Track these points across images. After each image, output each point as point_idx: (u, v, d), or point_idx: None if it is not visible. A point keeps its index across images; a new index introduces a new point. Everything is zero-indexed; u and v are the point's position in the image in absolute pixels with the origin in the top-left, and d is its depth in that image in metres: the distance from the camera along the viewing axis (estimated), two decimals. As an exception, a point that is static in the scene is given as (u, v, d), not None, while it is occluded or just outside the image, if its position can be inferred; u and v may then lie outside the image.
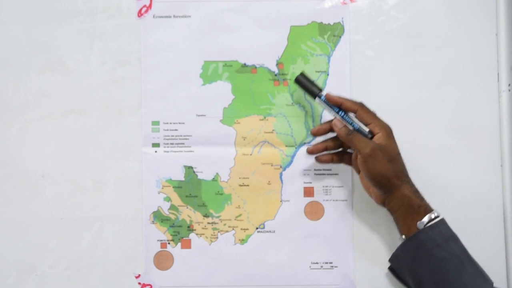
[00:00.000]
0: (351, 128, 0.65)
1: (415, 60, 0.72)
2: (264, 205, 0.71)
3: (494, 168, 0.71)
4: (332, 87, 0.71)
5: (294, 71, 0.71)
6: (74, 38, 0.72)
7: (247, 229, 0.71)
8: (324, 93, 0.67)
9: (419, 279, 0.61)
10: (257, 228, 0.71)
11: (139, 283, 0.71)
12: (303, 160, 0.71)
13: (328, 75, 0.71)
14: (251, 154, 0.71)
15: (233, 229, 0.71)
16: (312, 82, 0.67)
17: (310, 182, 0.71)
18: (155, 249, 0.71)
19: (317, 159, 0.69)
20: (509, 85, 0.71)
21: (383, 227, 0.70)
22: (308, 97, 0.71)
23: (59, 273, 0.71)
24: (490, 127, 0.71)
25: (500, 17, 0.71)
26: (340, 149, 0.69)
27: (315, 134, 0.69)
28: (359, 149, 0.63)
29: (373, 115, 0.65)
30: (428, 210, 0.62)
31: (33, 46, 0.72)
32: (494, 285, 0.60)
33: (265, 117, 0.71)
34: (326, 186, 0.71)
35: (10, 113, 0.71)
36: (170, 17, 0.72)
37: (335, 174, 0.71)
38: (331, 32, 0.72)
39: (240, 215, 0.71)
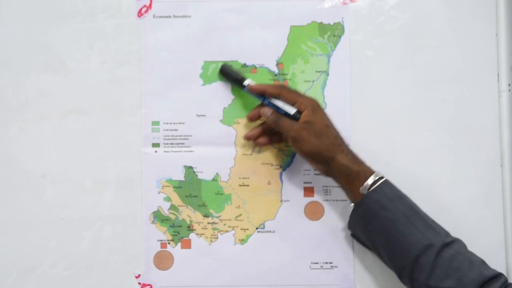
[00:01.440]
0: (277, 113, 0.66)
1: (415, 60, 0.72)
2: (264, 205, 0.71)
3: (494, 168, 0.71)
4: (332, 87, 0.71)
5: (294, 71, 0.71)
6: (74, 38, 0.72)
7: (247, 229, 0.71)
8: (247, 83, 0.68)
9: (373, 241, 0.63)
10: (257, 228, 0.71)
11: (139, 283, 0.71)
12: (303, 160, 0.71)
13: (328, 75, 0.71)
14: (251, 154, 0.71)
15: (233, 229, 0.71)
16: (236, 72, 0.69)
17: (310, 182, 0.71)
18: (155, 249, 0.71)
19: (255, 143, 0.70)
20: (509, 85, 0.71)
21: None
22: (308, 97, 0.71)
23: (59, 273, 0.71)
24: (490, 127, 0.71)
25: (500, 17, 0.71)
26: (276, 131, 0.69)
27: (251, 120, 0.70)
28: (286, 133, 0.65)
29: (296, 93, 0.67)
30: (369, 174, 0.63)
31: (33, 46, 0.72)
32: (450, 235, 0.61)
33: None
34: (326, 186, 0.71)
35: (10, 113, 0.71)
36: (170, 17, 0.72)
37: (335, 174, 0.71)
38: (331, 32, 0.72)
39: (240, 215, 0.71)
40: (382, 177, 0.63)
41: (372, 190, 0.62)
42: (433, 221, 0.62)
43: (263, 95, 0.67)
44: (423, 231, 0.61)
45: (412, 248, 0.60)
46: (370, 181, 0.62)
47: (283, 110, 0.66)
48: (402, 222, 0.61)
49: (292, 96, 0.66)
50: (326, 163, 0.64)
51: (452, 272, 0.59)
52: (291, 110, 0.65)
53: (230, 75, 0.70)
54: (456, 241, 0.61)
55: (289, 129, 0.64)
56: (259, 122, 0.70)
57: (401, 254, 0.60)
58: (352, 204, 0.64)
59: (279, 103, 0.66)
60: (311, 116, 0.64)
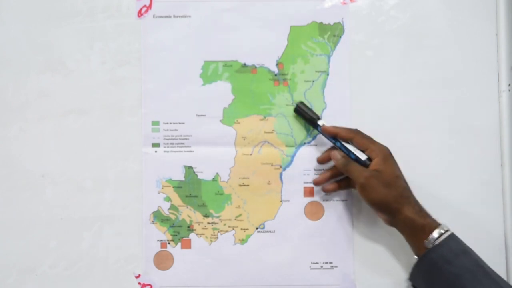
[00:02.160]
0: (348, 158, 0.66)
1: (415, 60, 0.72)
2: (264, 205, 0.71)
3: (494, 168, 0.71)
4: (332, 87, 0.71)
5: (294, 71, 0.71)
6: (74, 38, 0.72)
7: (247, 229, 0.71)
8: (321, 123, 0.68)
9: None
10: (257, 228, 0.71)
11: (139, 283, 0.71)
12: (303, 160, 0.71)
13: (328, 75, 0.71)
14: (251, 154, 0.71)
15: (233, 229, 0.71)
16: (311, 111, 0.70)
17: (310, 182, 0.71)
18: (155, 249, 0.71)
19: (324, 189, 0.70)
20: (509, 85, 0.71)
21: (383, 227, 0.70)
22: (308, 97, 0.71)
23: (59, 273, 0.71)
24: (490, 127, 0.71)
25: (500, 17, 0.71)
26: (345, 176, 0.69)
27: (321, 163, 0.70)
28: (355, 179, 0.64)
29: (369, 140, 0.66)
30: (434, 227, 0.61)
31: (33, 46, 0.72)
32: None
33: (265, 117, 0.71)
34: (326, 186, 0.71)
35: (10, 113, 0.72)
36: (170, 17, 0.72)
37: (335, 174, 0.71)
38: (331, 32, 0.72)
39: (240, 215, 0.71)
40: (447, 230, 0.62)
41: (438, 244, 0.61)
42: (499, 277, 0.60)
43: (336, 137, 0.67)
44: (489, 287, 0.59)
45: None
46: (435, 234, 0.61)
47: (354, 155, 0.66)
48: (468, 278, 0.59)
49: (364, 142, 0.65)
50: (391, 214, 0.63)
51: None
52: (362, 156, 0.65)
53: (305, 114, 0.70)
54: None
55: (358, 175, 0.64)
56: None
57: None
58: (416, 257, 0.63)
59: (351, 147, 0.66)
60: (381, 164, 0.64)
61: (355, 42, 0.72)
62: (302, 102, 0.70)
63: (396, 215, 0.63)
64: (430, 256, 0.61)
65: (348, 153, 0.66)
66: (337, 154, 0.66)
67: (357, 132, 0.67)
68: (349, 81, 0.71)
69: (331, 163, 0.70)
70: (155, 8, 0.72)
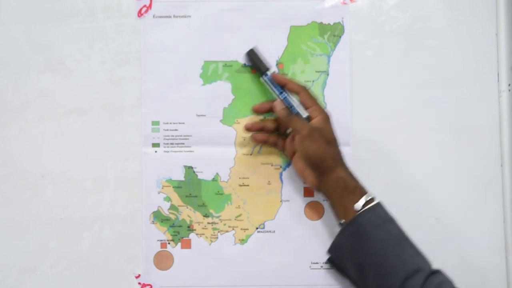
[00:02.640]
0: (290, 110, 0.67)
1: (415, 60, 0.72)
2: (264, 205, 0.71)
3: (494, 168, 0.71)
4: (332, 87, 0.71)
5: (294, 71, 0.71)
6: (74, 38, 0.72)
7: (247, 229, 0.71)
8: (270, 72, 0.68)
9: (360, 262, 0.62)
10: (257, 228, 0.71)
11: (139, 283, 0.71)
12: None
13: (328, 75, 0.71)
14: (251, 154, 0.71)
15: (233, 229, 0.71)
16: (261, 59, 0.69)
17: (310, 182, 0.71)
18: (155, 249, 0.71)
19: (253, 137, 0.70)
20: (509, 85, 0.71)
21: (383, 227, 0.70)
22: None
23: (59, 273, 0.71)
24: (490, 127, 0.71)
25: (500, 17, 0.71)
26: (275, 133, 0.70)
27: (256, 111, 0.70)
28: (298, 129, 0.64)
29: (314, 100, 0.66)
30: (364, 192, 0.63)
31: (33, 46, 0.72)
32: (433, 267, 0.61)
33: (265, 117, 0.71)
34: (326, 186, 0.71)
35: (10, 113, 0.71)
36: (170, 17, 0.72)
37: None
38: (331, 32, 0.72)
39: (240, 215, 0.71)
40: (374, 198, 0.63)
41: (367, 208, 0.62)
42: (420, 250, 0.62)
43: (284, 87, 0.67)
44: (413, 255, 0.61)
45: (402, 270, 0.59)
46: (365, 198, 0.62)
47: (296, 110, 0.66)
48: (394, 244, 0.61)
49: (310, 100, 0.66)
50: (324, 171, 0.64)
51: None
52: (304, 113, 0.66)
53: (256, 60, 0.69)
54: (442, 272, 0.60)
55: (302, 126, 0.64)
56: (259, 118, 0.70)
57: (390, 275, 0.59)
58: (342, 221, 0.64)
59: (295, 102, 0.67)
60: (323, 123, 0.65)
61: (355, 42, 0.72)
62: (253, 49, 0.70)
63: (330, 173, 0.64)
64: (360, 220, 0.62)
65: (291, 107, 0.67)
66: (280, 104, 0.67)
67: (305, 87, 0.67)
68: (349, 81, 0.71)
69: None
70: (155, 8, 0.72)
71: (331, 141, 0.65)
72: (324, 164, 0.64)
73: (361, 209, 0.62)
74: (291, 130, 0.68)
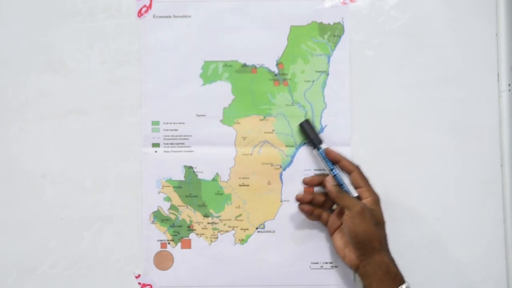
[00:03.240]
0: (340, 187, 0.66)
1: (415, 60, 0.72)
2: (264, 205, 0.71)
3: (494, 168, 0.71)
4: (332, 87, 0.71)
5: (294, 71, 0.71)
6: (74, 38, 0.72)
7: (247, 229, 0.71)
8: (323, 146, 0.68)
9: None
10: (257, 228, 0.71)
11: (139, 283, 0.71)
12: (303, 160, 0.71)
13: (328, 75, 0.71)
14: (251, 154, 0.71)
15: (233, 229, 0.71)
16: (315, 132, 0.69)
17: (310, 182, 0.71)
18: (155, 249, 0.71)
19: (299, 207, 0.69)
20: (509, 85, 0.71)
21: (383, 227, 0.70)
22: (308, 97, 0.71)
23: (59, 273, 0.71)
24: (490, 127, 0.71)
25: (500, 17, 0.71)
26: (321, 207, 0.69)
27: (307, 184, 0.70)
28: (349, 206, 0.63)
29: (366, 180, 0.66)
30: (403, 280, 0.62)
31: (33, 46, 0.72)
32: None
33: (265, 117, 0.71)
34: (326, 186, 0.71)
35: (10, 113, 0.72)
36: (170, 17, 0.72)
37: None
38: (331, 32, 0.72)
39: (240, 215, 0.71)
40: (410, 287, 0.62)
41: None
42: None
43: (337, 163, 0.67)
44: None
45: None
46: (404, 286, 0.61)
47: (346, 188, 0.66)
48: None
49: (362, 180, 0.66)
50: (369, 253, 0.63)
51: None
52: (354, 193, 0.66)
53: (309, 133, 0.69)
54: None
55: (354, 203, 0.63)
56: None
57: None
58: None
59: (346, 180, 0.66)
60: (373, 205, 0.64)
61: (355, 42, 0.72)
62: (308, 120, 0.70)
63: (374, 255, 0.62)
64: None
65: (341, 184, 0.66)
66: (331, 180, 0.67)
67: (358, 167, 0.66)
68: (349, 81, 0.71)
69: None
70: (155, 8, 0.72)
71: (380, 224, 0.64)
72: (370, 245, 0.63)
73: None
74: (337, 206, 0.68)
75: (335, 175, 0.67)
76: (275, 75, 0.71)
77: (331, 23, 0.72)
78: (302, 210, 0.69)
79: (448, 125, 0.71)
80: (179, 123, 0.72)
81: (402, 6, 0.72)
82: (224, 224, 0.71)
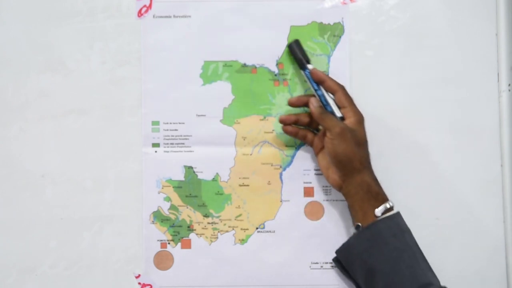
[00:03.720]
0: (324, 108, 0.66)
1: (415, 60, 0.72)
2: (264, 205, 0.71)
3: (494, 168, 0.71)
4: (332, 87, 0.71)
5: (294, 71, 0.71)
6: (74, 38, 0.72)
7: (247, 229, 0.71)
8: (310, 67, 0.68)
9: (371, 268, 0.61)
10: (257, 228, 0.71)
11: (139, 283, 0.71)
12: (303, 160, 0.71)
13: (328, 75, 0.71)
14: (251, 154, 0.71)
15: (233, 229, 0.71)
16: (304, 52, 0.69)
17: (310, 182, 0.71)
18: (155, 249, 0.71)
19: (283, 129, 0.69)
20: (509, 85, 0.71)
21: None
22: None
23: (59, 273, 0.71)
24: (490, 127, 0.71)
25: (500, 17, 0.71)
26: (307, 127, 0.70)
27: (292, 105, 0.69)
28: (330, 127, 0.64)
29: (350, 100, 0.66)
30: (385, 199, 0.63)
31: (33, 46, 0.72)
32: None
33: (265, 117, 0.71)
34: (326, 186, 0.71)
35: (10, 113, 0.71)
36: (170, 17, 0.72)
37: (335, 174, 0.71)
38: (331, 32, 0.72)
39: (240, 215, 0.71)
40: (393, 206, 0.63)
41: (388, 216, 0.61)
42: (431, 268, 0.62)
43: (322, 84, 0.67)
44: (426, 270, 0.60)
45: (414, 281, 0.59)
46: (387, 205, 0.62)
47: (330, 108, 0.66)
48: (409, 255, 0.60)
49: (346, 100, 0.66)
50: (350, 173, 0.63)
51: None
52: (338, 113, 0.66)
53: (298, 53, 0.69)
54: None
55: (334, 124, 0.63)
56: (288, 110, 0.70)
57: (401, 285, 0.59)
58: (359, 224, 0.63)
59: (330, 100, 0.66)
60: (356, 125, 0.64)
61: (355, 42, 0.72)
62: (297, 41, 0.69)
63: (355, 175, 0.63)
64: (379, 226, 0.61)
65: (325, 105, 0.66)
66: (315, 101, 0.66)
67: (342, 87, 0.66)
68: (349, 81, 0.71)
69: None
70: (155, 8, 0.72)
71: (361, 144, 0.64)
72: (351, 165, 0.63)
73: (381, 216, 0.61)
74: (322, 127, 0.68)
75: (320, 96, 0.67)
76: (275, 75, 0.71)
77: (331, 23, 0.72)
78: (286, 131, 0.69)
79: (448, 125, 0.71)
80: (179, 123, 0.72)
81: (402, 6, 0.72)
82: (224, 224, 0.71)
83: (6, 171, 0.71)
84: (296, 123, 0.69)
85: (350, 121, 0.65)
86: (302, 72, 0.69)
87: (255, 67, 0.71)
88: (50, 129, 0.71)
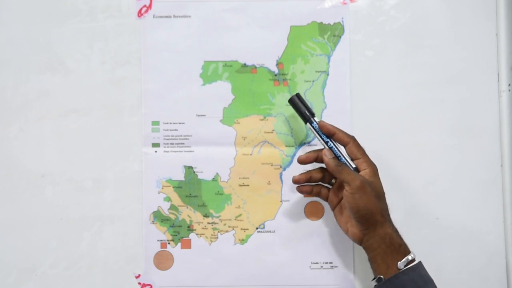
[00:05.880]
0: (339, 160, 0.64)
1: (415, 60, 0.72)
2: (264, 205, 0.71)
3: (494, 168, 0.71)
4: (332, 87, 0.71)
5: (294, 71, 0.71)
6: (74, 38, 0.72)
7: (247, 229, 0.71)
8: (317, 119, 0.65)
9: None
10: (257, 228, 0.71)
11: (139, 283, 0.71)
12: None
13: (328, 75, 0.71)
14: (251, 154, 0.71)
15: (233, 229, 0.71)
16: (306, 106, 0.66)
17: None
18: (155, 249, 0.71)
19: (298, 189, 0.67)
20: (509, 85, 0.71)
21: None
22: (308, 97, 0.71)
23: (59, 273, 0.71)
24: (490, 127, 0.71)
25: (500, 17, 0.71)
26: (320, 183, 0.68)
27: (302, 163, 0.66)
28: (349, 181, 0.61)
29: (363, 151, 0.64)
30: (407, 251, 0.61)
31: (33, 46, 0.72)
32: None
33: (265, 117, 0.71)
34: (326, 186, 0.71)
35: (10, 113, 0.72)
36: (170, 17, 0.72)
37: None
38: (331, 32, 0.72)
39: (240, 215, 0.71)
40: (415, 258, 0.61)
41: (411, 267, 0.60)
42: None
43: (332, 136, 0.65)
44: None
45: None
46: (409, 257, 0.60)
47: (343, 159, 0.64)
48: None
49: (359, 151, 0.64)
50: (372, 226, 0.61)
51: None
52: (352, 164, 0.64)
53: (301, 107, 0.66)
54: None
55: (354, 178, 0.61)
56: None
57: None
58: (382, 277, 0.61)
59: (343, 152, 0.64)
60: (372, 177, 0.63)
61: (355, 42, 0.72)
62: (298, 94, 0.66)
63: (377, 228, 0.61)
64: (402, 278, 0.60)
65: (338, 156, 0.64)
66: (328, 153, 0.64)
67: (353, 138, 0.64)
68: (349, 81, 0.71)
69: (308, 167, 0.68)
70: (155, 8, 0.72)
71: (380, 196, 0.62)
72: (373, 219, 0.61)
73: (404, 268, 0.60)
74: (336, 180, 0.66)
75: (331, 148, 0.64)
76: (275, 75, 0.71)
77: (331, 23, 0.72)
78: (301, 191, 0.67)
79: (448, 125, 0.71)
80: (179, 123, 0.72)
81: (402, 6, 0.72)
82: (224, 224, 0.71)
83: (6, 171, 0.71)
84: (309, 181, 0.66)
85: (365, 172, 0.63)
86: (307, 125, 0.65)
87: (255, 67, 0.71)
88: (50, 129, 0.71)
